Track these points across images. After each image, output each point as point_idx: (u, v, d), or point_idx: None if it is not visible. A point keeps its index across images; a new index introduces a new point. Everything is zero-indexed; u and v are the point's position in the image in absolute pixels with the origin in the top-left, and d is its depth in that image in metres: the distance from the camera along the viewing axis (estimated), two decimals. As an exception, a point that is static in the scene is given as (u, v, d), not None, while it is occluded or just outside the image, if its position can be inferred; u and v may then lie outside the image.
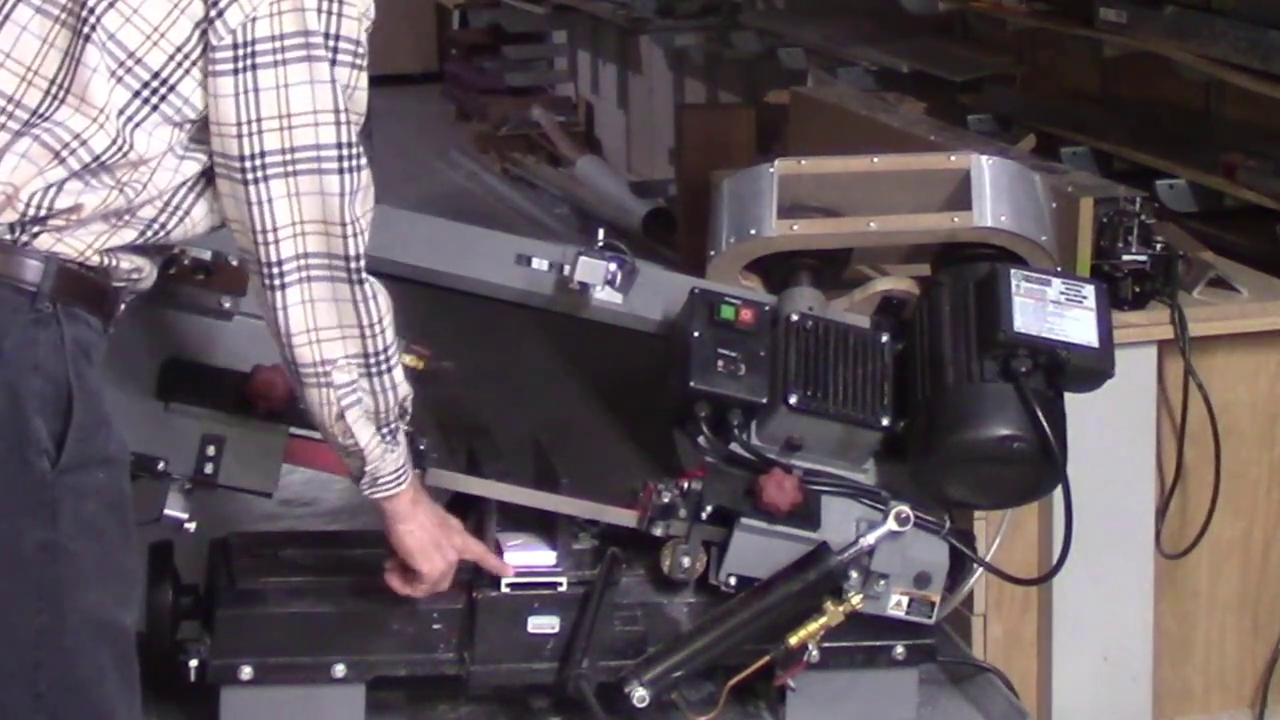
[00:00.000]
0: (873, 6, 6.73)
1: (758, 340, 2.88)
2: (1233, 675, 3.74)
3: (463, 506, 2.94)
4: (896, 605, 2.89)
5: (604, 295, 2.93)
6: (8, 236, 2.26)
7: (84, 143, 2.25)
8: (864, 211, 3.01)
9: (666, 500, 2.84)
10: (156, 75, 2.28)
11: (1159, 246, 3.51)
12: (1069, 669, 3.58)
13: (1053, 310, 2.82)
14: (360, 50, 2.33)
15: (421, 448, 2.80)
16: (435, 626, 2.87)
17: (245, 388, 2.79)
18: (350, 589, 2.88)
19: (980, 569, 3.02)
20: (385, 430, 2.50)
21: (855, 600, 2.84)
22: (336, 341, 2.39)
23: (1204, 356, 3.56)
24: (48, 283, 2.26)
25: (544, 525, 2.93)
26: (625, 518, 2.87)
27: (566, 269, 2.92)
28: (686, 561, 2.86)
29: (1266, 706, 3.74)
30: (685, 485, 2.85)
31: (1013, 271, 2.86)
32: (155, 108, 2.28)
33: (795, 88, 5.65)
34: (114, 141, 2.26)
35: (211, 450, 2.78)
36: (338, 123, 2.32)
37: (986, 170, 2.98)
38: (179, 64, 2.28)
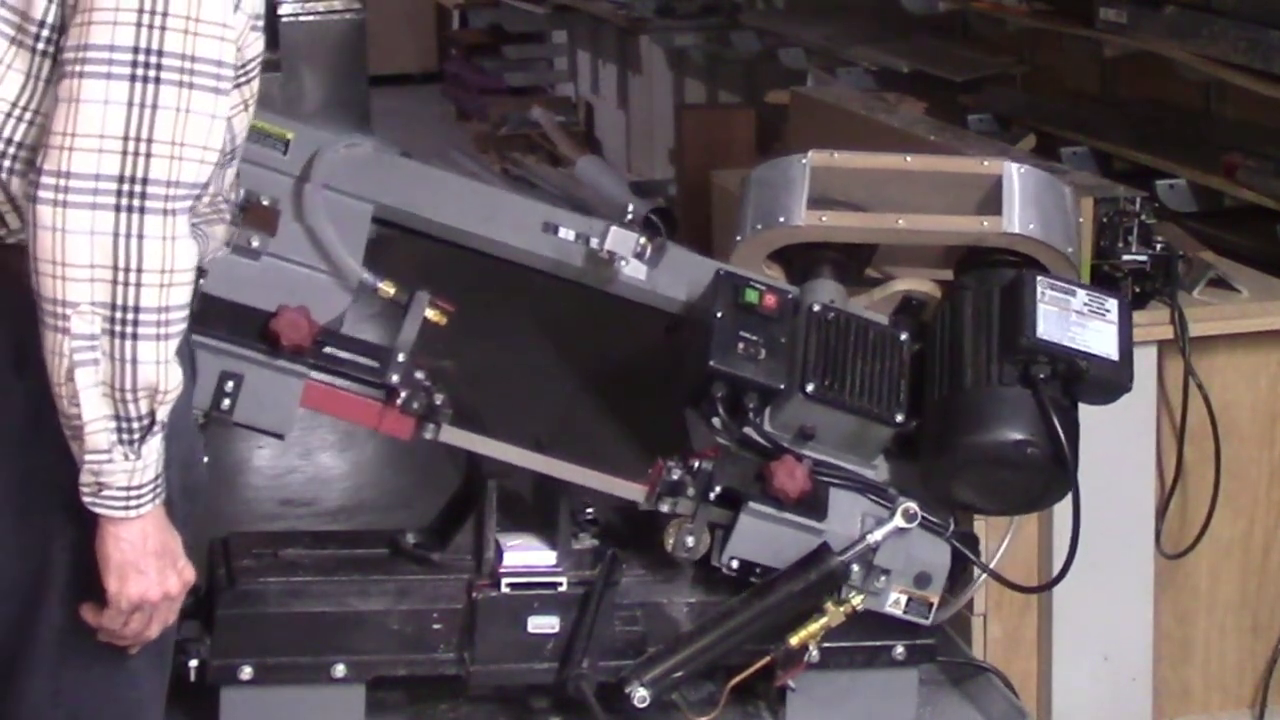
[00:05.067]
0: (873, 6, 6.73)
1: (779, 327, 2.89)
2: (1233, 675, 3.74)
3: (462, 506, 2.95)
4: (895, 603, 2.90)
5: (630, 270, 2.93)
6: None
7: None
8: (891, 210, 3.01)
9: (676, 477, 2.84)
10: (42, 23, 2.15)
11: (1159, 246, 3.50)
12: (1069, 669, 3.58)
13: (1075, 320, 2.83)
14: None
15: (438, 402, 2.79)
16: (435, 626, 2.87)
17: (268, 325, 2.75)
18: (350, 589, 2.88)
19: (983, 574, 3.01)
20: (123, 422, 2.12)
21: (856, 601, 2.84)
22: (84, 284, 2.06)
23: (1204, 356, 3.56)
24: None
25: (544, 525, 2.93)
26: (633, 492, 2.87)
27: (593, 241, 2.91)
28: (690, 541, 2.85)
29: (1266, 706, 3.73)
30: (695, 464, 2.84)
31: (1039, 279, 2.87)
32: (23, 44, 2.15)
33: (795, 88, 5.66)
34: (9, 113, 2.14)
35: (230, 386, 2.74)
36: (140, 25, 2.07)
37: (1018, 178, 2.99)
38: None
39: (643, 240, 2.91)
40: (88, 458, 2.13)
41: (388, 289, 2.80)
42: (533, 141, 9.17)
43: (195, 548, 2.76)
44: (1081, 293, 2.88)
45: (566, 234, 2.92)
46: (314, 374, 2.77)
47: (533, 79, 10.36)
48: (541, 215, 2.95)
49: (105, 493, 2.15)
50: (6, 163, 2.17)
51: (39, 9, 2.15)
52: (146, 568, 2.20)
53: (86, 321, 2.08)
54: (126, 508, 2.16)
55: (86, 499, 2.16)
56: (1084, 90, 5.72)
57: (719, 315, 2.86)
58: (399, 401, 2.77)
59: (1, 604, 2.27)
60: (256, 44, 2.27)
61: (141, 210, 2.07)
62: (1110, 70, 5.54)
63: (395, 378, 2.76)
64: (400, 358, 2.76)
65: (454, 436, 2.82)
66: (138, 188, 2.07)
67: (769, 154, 5.87)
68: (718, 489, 2.83)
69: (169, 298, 2.10)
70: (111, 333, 2.08)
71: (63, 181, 2.05)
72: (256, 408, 2.76)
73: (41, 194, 2.06)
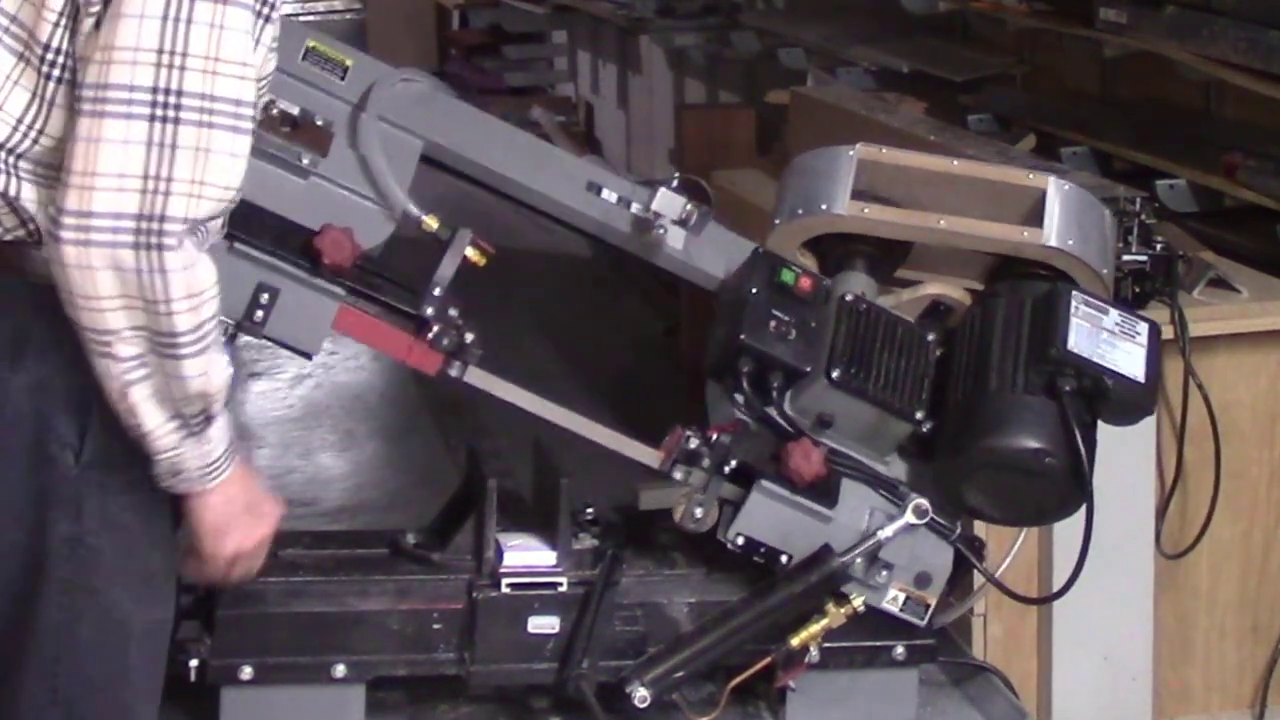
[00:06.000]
0: (873, 6, 6.74)
1: (812, 310, 2.89)
2: (1233, 675, 3.74)
3: (462, 506, 2.95)
4: (893, 600, 2.90)
5: (671, 238, 2.93)
6: (31, 238, 2.23)
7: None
8: (931, 211, 3.02)
9: (693, 446, 2.84)
10: (47, 46, 2.17)
11: (1159, 246, 3.51)
12: (1069, 669, 3.58)
13: (1106, 338, 2.83)
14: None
15: (468, 340, 2.78)
16: (435, 626, 2.87)
17: (311, 242, 2.74)
18: (350, 589, 2.88)
19: (987, 582, 3.01)
20: (183, 420, 2.21)
21: (857, 601, 2.84)
22: (119, 312, 2.13)
23: (1204, 356, 3.57)
24: None
25: (544, 525, 2.93)
26: (649, 456, 2.86)
27: (635, 206, 2.92)
28: (699, 512, 2.85)
29: (1266, 707, 3.74)
30: (714, 436, 2.85)
31: (1074, 292, 2.87)
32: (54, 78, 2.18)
33: (795, 88, 5.66)
34: (14, 128, 2.17)
35: (265, 299, 2.73)
36: (159, 65, 2.10)
37: (1062, 194, 2.99)
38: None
39: (689, 205, 2.92)
40: (159, 457, 2.22)
41: (431, 223, 2.80)
42: (533, 141, 9.17)
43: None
44: (1114, 312, 2.88)
45: (610, 195, 2.93)
46: (349, 298, 2.78)
47: (533, 79, 10.37)
48: (587, 174, 2.96)
49: (181, 475, 2.24)
50: (8, 170, 2.18)
51: (45, 31, 2.17)
52: (237, 524, 2.33)
53: (129, 344, 2.14)
54: (204, 480, 2.26)
55: (164, 485, 2.25)
56: (1084, 90, 5.72)
57: (754, 291, 2.87)
58: (430, 336, 2.78)
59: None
60: (270, 63, 2.29)
61: (160, 248, 2.11)
62: (1110, 70, 5.54)
63: (429, 310, 2.77)
64: (436, 291, 2.77)
65: (478, 378, 2.82)
66: (154, 225, 2.10)
67: (769, 154, 5.89)
68: (733, 463, 2.84)
69: (200, 315, 2.16)
70: (155, 351, 2.15)
71: (85, 221, 2.09)
72: (289, 323, 2.75)
73: (64, 234, 2.10)
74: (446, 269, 2.78)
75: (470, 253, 2.78)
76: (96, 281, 2.11)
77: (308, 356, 2.83)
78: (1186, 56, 4.76)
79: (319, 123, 2.79)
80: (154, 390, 2.17)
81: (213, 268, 2.18)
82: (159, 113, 2.10)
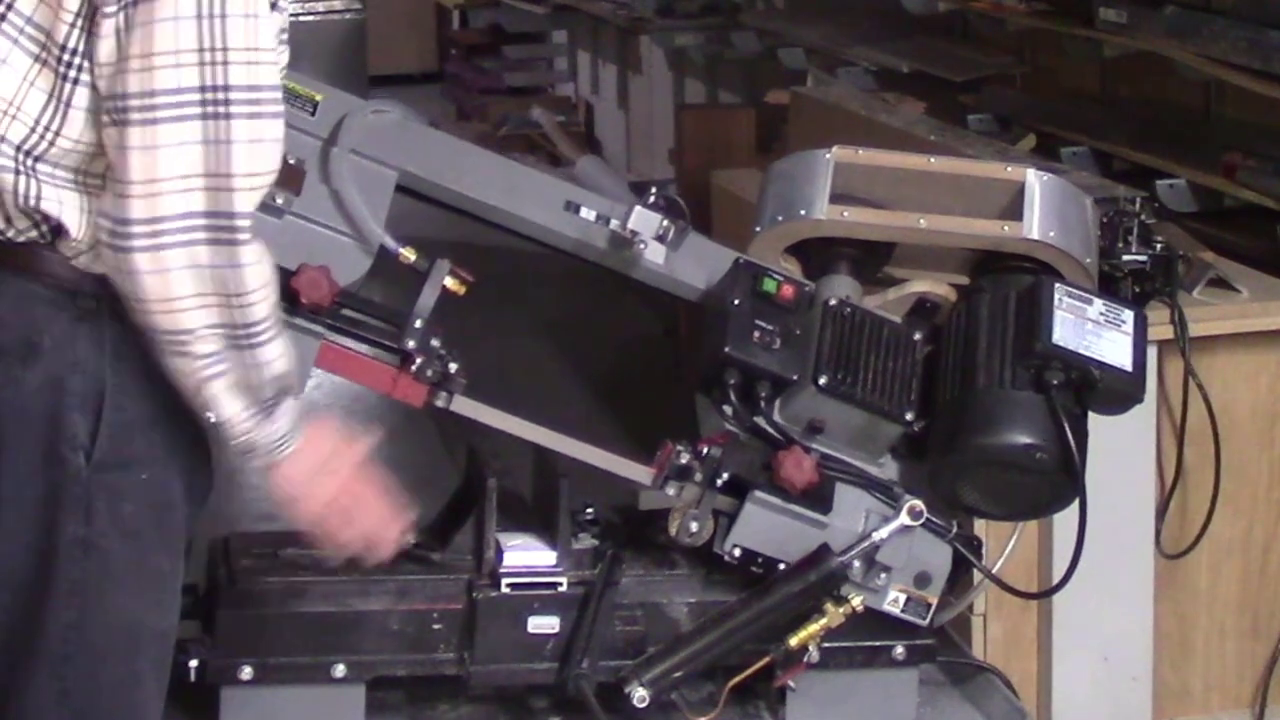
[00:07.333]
0: (873, 6, 6.74)
1: (795, 318, 2.89)
2: (1233, 675, 3.74)
3: (462, 506, 2.95)
4: (893, 602, 2.90)
5: (651, 253, 2.93)
6: (43, 240, 2.24)
7: (12, 143, 2.19)
8: (911, 210, 3.02)
9: (684, 461, 2.84)
10: (64, 47, 2.18)
11: (1159, 246, 3.51)
12: (1069, 669, 3.58)
13: (1091, 329, 2.83)
14: None
15: (452, 370, 2.78)
16: (435, 626, 2.87)
17: (289, 283, 2.71)
18: (350, 589, 2.88)
19: (985, 579, 3.01)
20: (257, 406, 2.26)
21: (856, 601, 2.84)
22: (196, 311, 2.17)
23: (1204, 356, 3.57)
24: (89, 280, 2.23)
25: (544, 525, 2.93)
26: (641, 474, 2.86)
27: (614, 223, 2.92)
28: (694, 526, 2.85)
29: (1266, 707, 3.74)
30: (704, 450, 2.85)
31: (1057, 285, 2.87)
32: (74, 81, 2.19)
33: (795, 88, 5.67)
34: (32, 129, 2.19)
35: None
36: (203, 64, 2.12)
37: (1041, 185, 2.99)
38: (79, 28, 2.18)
39: (665, 222, 2.92)
40: (233, 443, 2.27)
41: (409, 255, 2.79)
42: (533, 141, 9.17)
43: (195, 548, 2.78)
44: (1099, 302, 2.88)
45: (588, 214, 2.93)
46: (330, 335, 2.78)
47: (533, 79, 10.38)
48: (564, 194, 2.95)
49: (252, 454, 2.28)
50: (26, 171, 2.19)
51: (62, 32, 2.18)
52: (309, 489, 2.35)
53: (206, 342, 2.18)
54: (275, 453, 2.29)
55: (237, 464, 2.30)
56: (1084, 90, 5.73)
57: (736, 302, 2.87)
58: (413, 368, 2.77)
59: (8, 597, 2.28)
60: (282, 58, 2.30)
61: (233, 243, 2.16)
62: (1110, 70, 5.55)
63: (411, 343, 2.76)
64: (418, 324, 2.77)
65: (465, 407, 2.82)
66: (224, 221, 2.15)
67: (769, 154, 5.89)
68: (725, 475, 2.84)
69: (271, 301, 2.22)
70: (234, 346, 2.20)
71: (156, 226, 2.12)
72: None
73: (135, 243, 2.13)
74: (426, 300, 2.77)
75: (450, 282, 2.78)
76: (171, 283, 2.14)
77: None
78: (1186, 56, 4.77)
79: (291, 161, 2.75)
80: (230, 383, 2.21)
81: (271, 257, 2.23)
82: (210, 110, 2.13)
